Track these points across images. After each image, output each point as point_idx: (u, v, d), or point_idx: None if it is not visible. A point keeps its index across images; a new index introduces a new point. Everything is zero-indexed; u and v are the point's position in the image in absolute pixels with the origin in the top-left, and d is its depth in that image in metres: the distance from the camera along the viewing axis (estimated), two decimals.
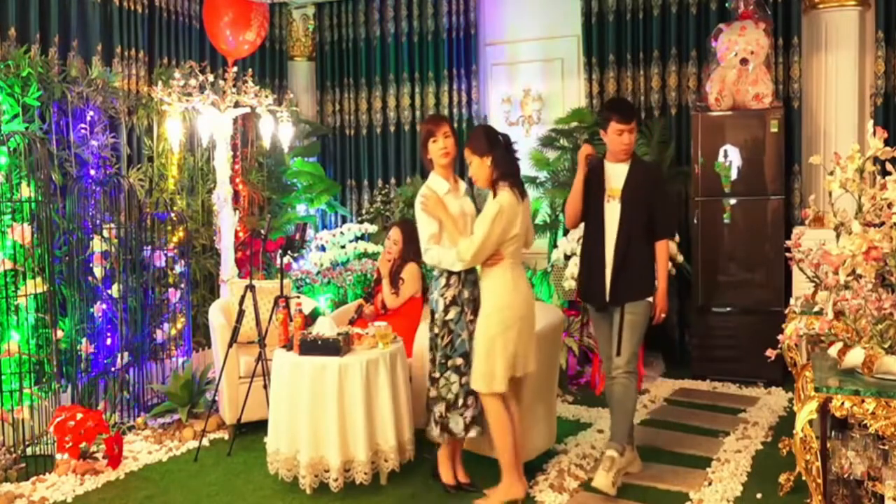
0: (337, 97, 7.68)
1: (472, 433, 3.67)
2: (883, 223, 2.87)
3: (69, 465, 4.14)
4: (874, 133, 3.06)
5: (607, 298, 3.83)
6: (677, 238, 5.66)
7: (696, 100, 6.03)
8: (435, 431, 3.66)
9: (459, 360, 3.61)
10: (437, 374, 3.65)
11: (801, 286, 4.76)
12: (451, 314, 3.61)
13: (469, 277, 3.63)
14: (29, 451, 4.28)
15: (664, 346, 6.13)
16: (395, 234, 4.80)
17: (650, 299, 3.83)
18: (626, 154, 3.88)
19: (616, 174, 3.89)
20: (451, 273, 3.60)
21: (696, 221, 5.73)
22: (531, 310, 3.63)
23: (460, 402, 3.63)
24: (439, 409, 3.64)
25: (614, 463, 3.71)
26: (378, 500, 3.70)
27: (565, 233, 5.89)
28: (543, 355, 4.01)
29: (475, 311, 3.62)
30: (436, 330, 3.65)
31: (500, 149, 3.56)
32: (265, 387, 4.37)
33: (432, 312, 3.68)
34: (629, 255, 3.78)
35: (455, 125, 7.04)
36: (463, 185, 3.79)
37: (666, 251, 3.86)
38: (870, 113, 5.74)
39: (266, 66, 7.23)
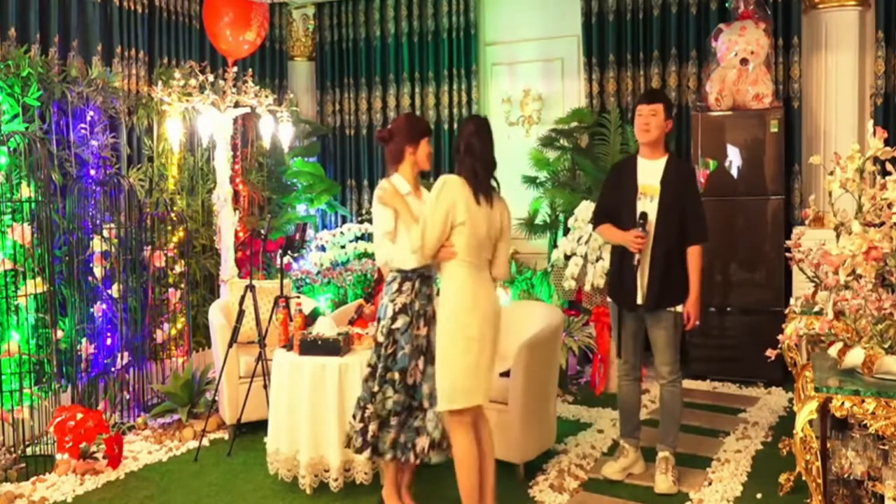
0: (337, 97, 7.67)
1: (388, 456, 3.42)
2: (883, 223, 2.86)
3: (69, 465, 4.14)
4: (874, 133, 3.06)
5: (640, 301, 3.73)
6: None
7: (696, 100, 6.03)
8: (366, 452, 3.42)
9: (397, 375, 3.36)
10: (376, 388, 3.40)
11: (801, 286, 4.76)
12: (399, 323, 3.36)
13: (423, 290, 3.41)
14: (29, 451, 4.28)
15: None
16: None
17: (679, 308, 3.73)
18: (647, 136, 3.76)
19: (649, 171, 3.78)
20: (404, 279, 3.39)
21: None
22: (494, 327, 3.25)
23: (392, 420, 3.39)
24: (373, 427, 3.38)
25: (668, 462, 3.78)
26: (378, 501, 3.70)
27: (565, 233, 5.89)
28: (543, 355, 4.02)
29: (426, 326, 3.38)
30: (380, 338, 3.40)
31: (470, 158, 3.23)
32: (265, 387, 4.37)
33: (378, 319, 3.44)
34: (666, 257, 3.68)
35: (455, 125, 7.07)
36: (425, 193, 3.52)
37: (699, 257, 3.72)
38: (870, 113, 5.74)
39: (266, 66, 7.23)
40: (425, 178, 3.86)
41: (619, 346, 3.91)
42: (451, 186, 3.19)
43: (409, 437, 3.43)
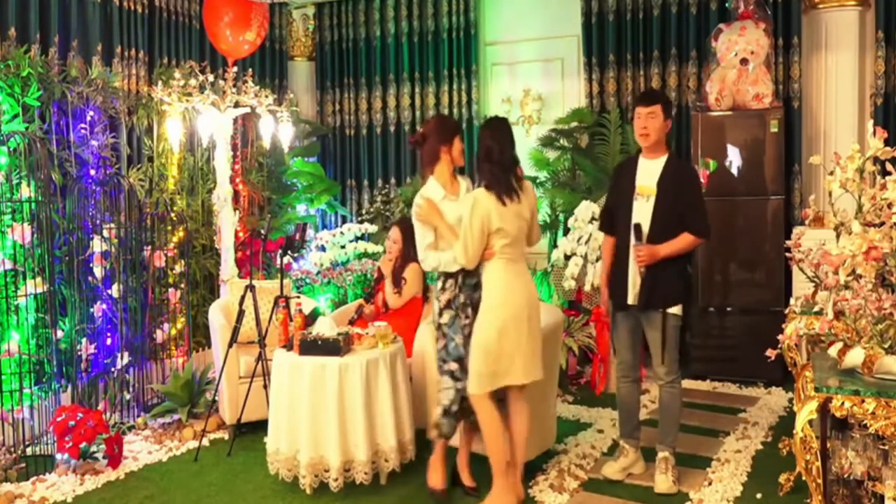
0: (337, 97, 7.67)
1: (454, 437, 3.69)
2: (883, 223, 2.86)
3: (69, 465, 4.14)
4: (874, 133, 3.06)
5: (630, 300, 3.74)
6: None
7: (696, 100, 6.03)
8: (433, 433, 3.67)
9: (454, 365, 3.56)
10: (437, 378, 3.67)
11: (801, 286, 4.76)
12: (445, 318, 3.57)
13: (468, 281, 3.56)
14: (29, 451, 4.28)
15: None
16: (394, 233, 4.81)
17: (675, 311, 3.71)
18: (646, 140, 3.75)
19: (648, 171, 3.76)
20: (448, 276, 3.57)
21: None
22: (531, 311, 3.52)
23: (454, 408, 3.58)
24: (436, 412, 3.63)
25: (668, 462, 3.79)
26: (378, 500, 3.70)
27: (565, 233, 5.89)
28: (543, 355, 4.01)
29: (475, 313, 3.54)
30: (435, 333, 3.66)
31: (488, 164, 3.48)
32: (265, 387, 4.37)
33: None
34: (657, 264, 3.65)
35: None
36: (464, 185, 3.71)
37: (688, 242, 3.67)
38: (870, 113, 5.74)
39: (266, 66, 7.23)
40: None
41: (614, 345, 3.95)
42: (480, 202, 3.44)
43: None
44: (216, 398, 4.73)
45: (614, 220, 3.87)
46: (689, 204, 3.70)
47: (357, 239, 6.88)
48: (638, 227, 3.68)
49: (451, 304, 3.57)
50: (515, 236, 3.49)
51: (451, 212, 3.57)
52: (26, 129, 4.47)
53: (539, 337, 3.58)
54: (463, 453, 3.84)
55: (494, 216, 3.41)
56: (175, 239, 5.38)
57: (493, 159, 3.48)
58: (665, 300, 3.70)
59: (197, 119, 5.45)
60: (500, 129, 3.57)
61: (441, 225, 3.55)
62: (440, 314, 3.59)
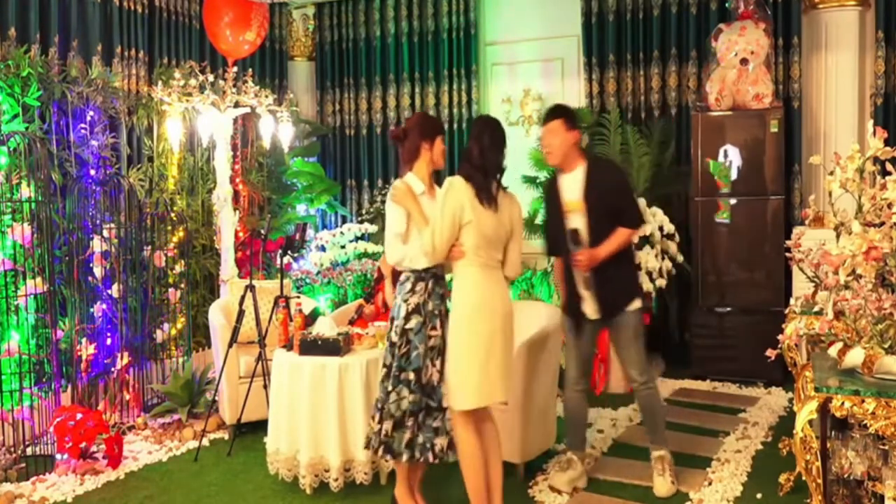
0: (337, 97, 7.68)
1: (404, 457, 3.37)
2: (883, 223, 2.86)
3: (69, 465, 4.14)
4: (874, 133, 3.06)
5: (589, 314, 3.71)
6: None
7: (696, 100, 6.03)
8: (379, 451, 3.41)
9: (412, 375, 3.34)
10: (390, 388, 3.37)
11: (801, 286, 4.76)
12: (412, 323, 3.34)
13: (437, 290, 3.39)
14: (29, 451, 4.29)
15: (664, 346, 6.15)
16: None
17: (636, 306, 3.71)
18: (550, 159, 3.73)
19: (570, 186, 3.68)
20: (417, 279, 3.37)
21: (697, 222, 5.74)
22: (509, 326, 3.30)
23: (408, 421, 3.36)
24: (386, 426, 3.36)
25: (665, 461, 3.75)
26: (378, 500, 3.70)
27: None
28: (543, 355, 4.02)
29: (440, 326, 3.37)
30: (394, 338, 3.38)
31: (467, 165, 3.29)
32: (265, 387, 4.37)
33: (392, 319, 3.43)
34: (606, 266, 3.61)
35: (455, 125, 7.08)
36: (439, 192, 3.47)
37: (625, 236, 3.64)
38: (870, 113, 5.74)
39: (266, 66, 7.23)
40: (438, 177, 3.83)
41: (571, 356, 3.88)
42: (457, 188, 3.21)
43: (427, 438, 3.39)
44: (216, 398, 4.74)
45: (556, 242, 3.81)
46: (621, 204, 3.66)
47: (357, 239, 6.89)
48: (575, 232, 3.63)
49: (420, 309, 3.35)
50: (491, 240, 3.24)
51: (427, 209, 3.36)
52: (26, 129, 4.47)
53: (510, 358, 3.35)
54: (416, 473, 3.59)
55: (468, 208, 3.17)
56: (175, 239, 5.38)
57: (471, 161, 3.27)
58: (623, 302, 3.70)
59: (197, 119, 5.46)
60: (484, 130, 3.33)
61: (415, 210, 3.32)
62: (407, 319, 3.34)
